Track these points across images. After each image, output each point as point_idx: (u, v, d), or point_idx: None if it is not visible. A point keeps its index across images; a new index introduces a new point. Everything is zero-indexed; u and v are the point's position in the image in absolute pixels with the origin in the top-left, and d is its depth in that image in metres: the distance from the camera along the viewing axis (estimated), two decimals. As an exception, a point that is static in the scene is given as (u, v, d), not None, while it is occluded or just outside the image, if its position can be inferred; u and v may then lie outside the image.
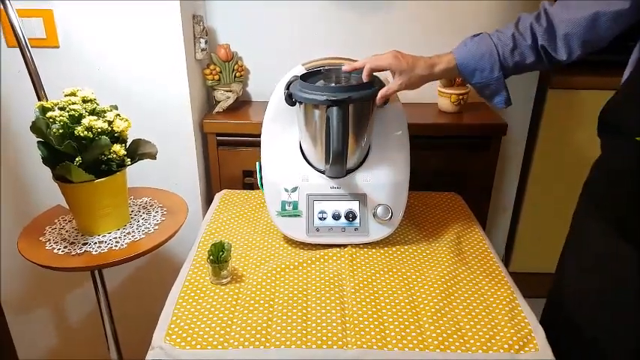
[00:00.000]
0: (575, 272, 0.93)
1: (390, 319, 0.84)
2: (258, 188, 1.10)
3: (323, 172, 1.05)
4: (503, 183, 1.65)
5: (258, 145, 1.09)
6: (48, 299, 1.54)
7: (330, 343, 0.79)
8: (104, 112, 0.99)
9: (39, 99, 1.09)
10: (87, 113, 0.97)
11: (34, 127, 0.94)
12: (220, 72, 1.38)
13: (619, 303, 0.84)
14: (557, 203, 1.66)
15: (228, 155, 1.37)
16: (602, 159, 0.87)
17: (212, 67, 1.37)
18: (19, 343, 1.52)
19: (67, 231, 1.07)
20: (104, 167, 0.98)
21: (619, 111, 0.81)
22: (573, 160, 1.57)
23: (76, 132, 0.93)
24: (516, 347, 0.78)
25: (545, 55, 0.90)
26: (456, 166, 1.37)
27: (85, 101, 0.99)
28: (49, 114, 0.94)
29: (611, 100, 0.84)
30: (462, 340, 0.79)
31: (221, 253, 0.92)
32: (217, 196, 1.27)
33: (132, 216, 1.11)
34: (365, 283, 0.93)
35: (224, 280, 0.93)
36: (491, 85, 0.94)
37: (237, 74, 1.41)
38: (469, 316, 0.85)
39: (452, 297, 0.89)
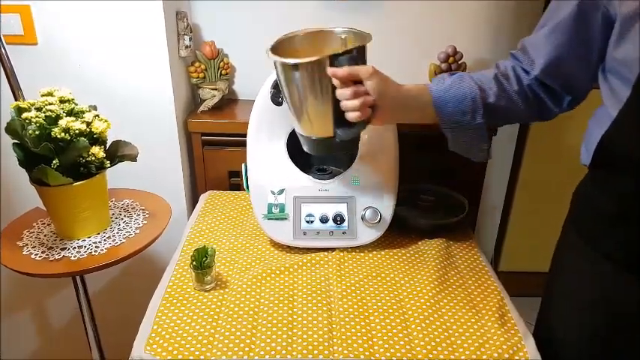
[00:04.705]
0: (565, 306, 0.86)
1: (378, 327, 0.82)
2: (245, 189, 1.08)
3: (309, 174, 1.03)
4: (493, 183, 1.64)
5: (244, 144, 1.07)
6: (29, 302, 1.50)
7: (316, 352, 0.77)
8: (82, 112, 0.96)
9: (15, 99, 1.05)
10: (64, 114, 0.94)
11: (10, 129, 0.91)
12: (205, 69, 1.35)
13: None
14: (546, 203, 1.66)
15: (214, 155, 1.34)
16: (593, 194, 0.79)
17: (197, 64, 1.34)
18: (1, 344, 1.48)
19: (45, 235, 1.04)
20: (83, 170, 0.95)
21: (620, 146, 0.70)
22: (563, 160, 1.57)
23: (52, 133, 0.90)
24: (506, 356, 0.76)
25: (535, 97, 0.83)
26: (445, 166, 1.35)
27: (62, 101, 0.96)
28: (24, 115, 0.91)
29: (611, 132, 0.72)
30: (450, 349, 0.78)
31: (204, 259, 0.90)
32: (202, 198, 1.24)
33: (113, 219, 1.08)
34: (353, 289, 0.91)
35: (207, 287, 0.90)
36: (469, 131, 0.84)
37: (223, 72, 1.37)
38: (458, 323, 0.83)
39: (441, 303, 0.88)
